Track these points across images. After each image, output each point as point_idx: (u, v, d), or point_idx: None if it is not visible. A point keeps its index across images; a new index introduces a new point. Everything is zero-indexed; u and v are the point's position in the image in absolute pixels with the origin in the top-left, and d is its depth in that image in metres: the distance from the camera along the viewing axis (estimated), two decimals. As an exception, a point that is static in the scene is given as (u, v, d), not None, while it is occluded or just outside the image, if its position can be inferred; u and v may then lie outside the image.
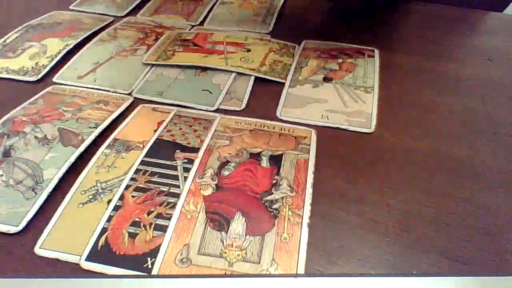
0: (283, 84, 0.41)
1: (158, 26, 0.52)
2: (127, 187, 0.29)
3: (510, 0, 0.59)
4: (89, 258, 0.25)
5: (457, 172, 0.32)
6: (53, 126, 0.34)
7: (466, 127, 0.36)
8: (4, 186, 0.29)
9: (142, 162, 0.31)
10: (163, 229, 0.26)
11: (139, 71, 0.43)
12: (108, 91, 0.40)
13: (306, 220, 0.27)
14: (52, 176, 0.30)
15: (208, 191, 0.29)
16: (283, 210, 0.28)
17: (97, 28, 0.50)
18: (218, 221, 0.27)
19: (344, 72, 0.43)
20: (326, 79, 0.41)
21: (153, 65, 0.44)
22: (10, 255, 0.25)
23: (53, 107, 0.37)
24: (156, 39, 0.48)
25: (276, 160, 0.31)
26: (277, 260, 0.25)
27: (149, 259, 0.25)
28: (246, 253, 0.25)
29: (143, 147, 0.33)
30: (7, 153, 0.32)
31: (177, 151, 0.32)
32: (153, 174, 0.30)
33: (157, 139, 0.34)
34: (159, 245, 0.25)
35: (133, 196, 0.29)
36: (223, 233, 0.26)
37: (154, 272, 0.24)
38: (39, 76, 0.42)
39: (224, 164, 0.31)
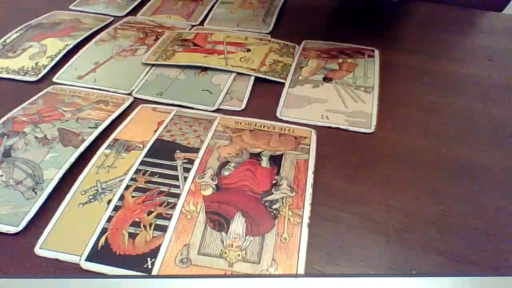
0: (283, 84, 0.41)
1: (158, 26, 0.52)
2: (127, 187, 0.29)
3: (509, 0, 0.59)
4: (89, 258, 0.25)
5: (458, 172, 0.32)
6: (53, 126, 0.34)
7: (466, 127, 0.36)
8: (4, 186, 0.29)
9: (142, 162, 0.31)
10: (163, 229, 0.26)
11: (139, 71, 0.43)
12: (108, 91, 0.40)
13: (306, 220, 0.27)
14: (52, 176, 0.30)
15: (208, 191, 0.29)
16: (283, 210, 0.28)
17: (97, 28, 0.50)
18: (218, 221, 0.27)
19: (344, 72, 0.43)
20: (326, 79, 0.41)
21: (153, 65, 0.44)
22: (10, 255, 0.25)
23: (53, 107, 0.37)
24: (156, 39, 0.48)
25: (276, 160, 0.31)
26: (277, 260, 0.25)
27: (149, 259, 0.25)
28: (246, 253, 0.25)
29: (143, 147, 0.33)
30: (7, 153, 0.32)
31: (177, 151, 0.32)
32: (153, 174, 0.30)
33: (157, 139, 0.34)
34: (159, 245, 0.25)
35: (133, 196, 0.29)
36: (223, 233, 0.26)
37: (154, 272, 0.24)
38: (39, 76, 0.42)
39: (224, 164, 0.31)
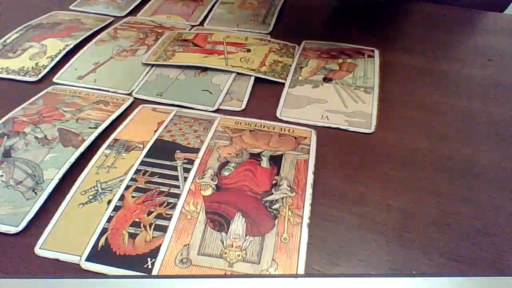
0: (283, 84, 0.41)
1: (158, 26, 0.52)
2: (127, 187, 0.29)
3: (510, 0, 0.59)
4: (89, 259, 0.25)
5: (457, 172, 0.32)
6: (53, 126, 0.34)
7: (466, 127, 0.36)
8: (4, 186, 0.29)
9: (142, 163, 0.31)
10: (163, 229, 0.26)
11: (139, 71, 0.43)
12: (108, 91, 0.40)
13: (306, 220, 0.27)
14: (52, 176, 0.30)
15: (208, 192, 0.29)
16: (283, 210, 0.28)
17: (97, 28, 0.50)
18: (218, 221, 0.27)
19: (344, 72, 0.43)
20: (326, 79, 0.41)
21: (153, 65, 0.44)
22: (10, 255, 0.25)
23: (53, 107, 0.37)
24: (156, 39, 0.48)
25: (276, 161, 0.31)
26: (277, 260, 0.25)
27: (149, 259, 0.25)
28: (246, 254, 0.25)
29: (143, 147, 0.33)
30: (7, 154, 0.32)
31: (177, 151, 0.32)
32: (153, 174, 0.30)
33: (157, 139, 0.34)
34: (159, 246, 0.25)
35: (133, 197, 0.29)
36: (223, 233, 0.26)
37: (154, 272, 0.24)
38: (39, 76, 0.42)
39: (224, 165, 0.31)
